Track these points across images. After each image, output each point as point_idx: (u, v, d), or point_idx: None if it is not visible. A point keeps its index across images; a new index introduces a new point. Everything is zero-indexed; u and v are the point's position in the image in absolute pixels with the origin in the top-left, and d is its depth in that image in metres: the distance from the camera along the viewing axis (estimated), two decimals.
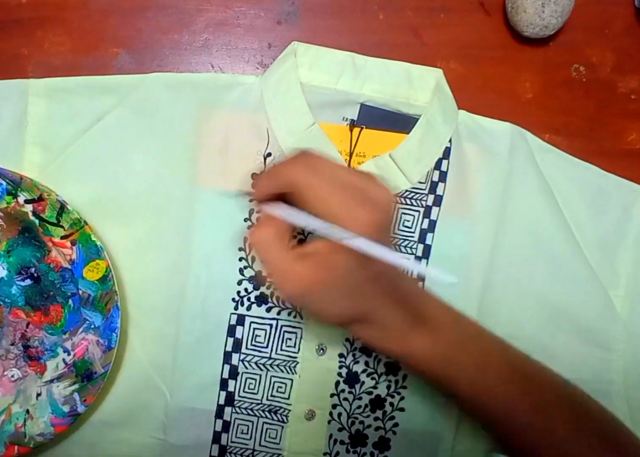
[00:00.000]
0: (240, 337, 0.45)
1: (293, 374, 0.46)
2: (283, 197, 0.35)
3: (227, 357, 0.45)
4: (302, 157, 0.34)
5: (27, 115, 0.44)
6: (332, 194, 0.32)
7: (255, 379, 0.45)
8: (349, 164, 0.45)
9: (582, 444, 0.38)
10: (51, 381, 0.44)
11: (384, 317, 0.36)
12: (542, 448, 0.38)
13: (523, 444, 0.39)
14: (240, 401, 0.45)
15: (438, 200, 0.46)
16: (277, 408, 0.46)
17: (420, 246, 0.46)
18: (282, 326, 0.45)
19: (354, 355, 0.46)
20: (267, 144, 0.45)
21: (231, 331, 0.45)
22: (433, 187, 0.46)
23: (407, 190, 0.46)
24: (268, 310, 0.45)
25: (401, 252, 0.46)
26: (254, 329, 0.45)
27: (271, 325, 0.45)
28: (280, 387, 0.45)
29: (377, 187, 0.34)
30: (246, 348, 0.45)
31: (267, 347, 0.45)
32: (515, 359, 0.39)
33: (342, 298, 0.34)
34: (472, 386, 0.37)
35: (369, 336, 0.37)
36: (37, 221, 0.43)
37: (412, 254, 0.46)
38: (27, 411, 0.43)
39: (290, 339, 0.45)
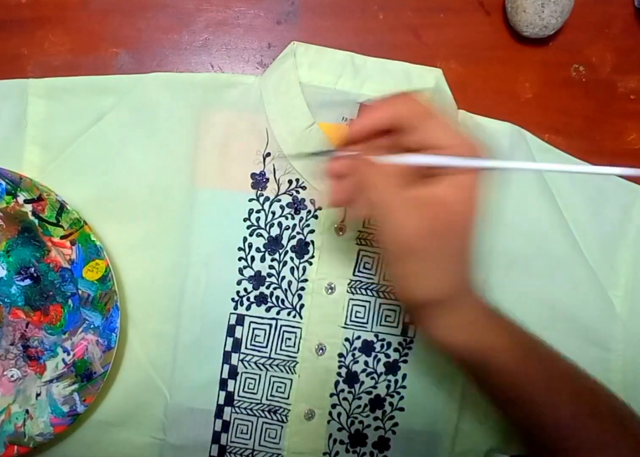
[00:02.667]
0: (239, 337, 0.45)
1: (292, 374, 0.46)
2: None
3: (226, 357, 0.45)
4: (410, 95, 0.32)
5: (27, 115, 0.44)
6: (449, 125, 0.31)
7: (255, 379, 0.45)
8: None
9: (599, 433, 0.36)
10: (51, 380, 0.44)
11: (465, 300, 0.33)
12: (579, 444, 0.36)
13: (562, 436, 0.36)
14: (239, 400, 0.45)
15: None
16: (277, 408, 0.46)
17: None
18: (281, 326, 0.45)
19: (353, 355, 0.46)
20: (267, 144, 0.45)
21: (231, 330, 0.45)
22: None
23: None
24: (267, 310, 0.45)
25: None
26: (254, 329, 0.45)
27: (271, 325, 0.45)
28: (280, 387, 0.46)
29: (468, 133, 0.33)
30: (246, 348, 0.45)
31: (266, 347, 0.45)
32: (557, 355, 0.38)
33: (455, 258, 0.32)
34: (537, 379, 0.35)
35: (444, 325, 0.34)
36: (36, 221, 0.43)
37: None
38: (27, 411, 0.43)
39: (289, 338, 0.45)
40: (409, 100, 0.32)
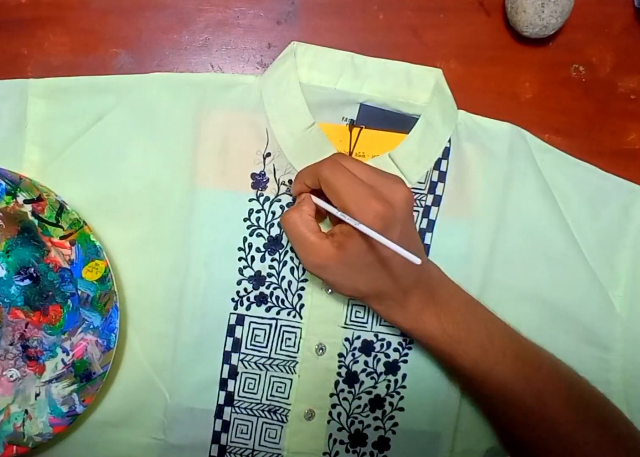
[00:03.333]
0: (239, 337, 0.45)
1: (292, 373, 0.45)
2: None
3: (226, 357, 0.45)
4: (332, 158, 0.40)
5: (27, 115, 0.44)
6: (348, 188, 0.37)
7: (255, 379, 0.45)
8: None
9: (577, 430, 0.40)
10: (50, 381, 0.44)
11: (395, 295, 0.40)
12: (535, 430, 0.41)
13: (517, 425, 0.42)
14: (239, 400, 0.45)
15: (437, 200, 0.46)
16: (277, 408, 0.46)
17: None
18: (281, 326, 0.45)
19: (353, 355, 0.46)
20: (267, 144, 0.45)
21: (230, 330, 0.45)
22: (432, 187, 0.46)
23: None
24: (267, 310, 0.45)
25: None
26: (254, 328, 0.45)
27: (270, 325, 0.45)
28: (280, 387, 0.45)
29: (395, 185, 0.39)
30: (245, 348, 0.45)
31: (266, 347, 0.45)
32: (518, 345, 0.43)
33: (356, 275, 0.39)
34: (474, 364, 0.41)
35: (382, 310, 0.42)
36: (36, 221, 0.43)
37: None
38: (26, 411, 0.43)
39: (289, 338, 0.45)
40: (327, 164, 0.39)
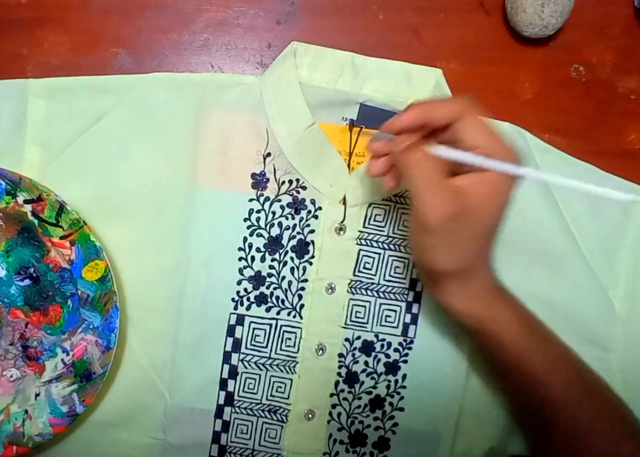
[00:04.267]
0: (239, 337, 0.45)
1: (292, 374, 0.45)
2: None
3: (226, 357, 0.45)
4: (464, 97, 0.36)
5: (27, 115, 0.44)
6: (491, 129, 0.35)
7: (255, 379, 0.45)
8: (348, 165, 0.45)
9: (613, 429, 0.39)
10: (50, 381, 0.44)
11: (481, 276, 0.38)
12: (578, 423, 0.39)
13: (564, 417, 0.39)
14: (239, 400, 0.45)
15: None
16: (277, 408, 0.46)
17: None
18: (281, 326, 0.45)
19: (353, 355, 0.46)
20: (267, 144, 0.45)
21: (231, 330, 0.45)
22: None
23: (406, 190, 0.46)
24: (267, 310, 0.45)
25: (401, 252, 0.46)
26: (254, 329, 0.45)
27: (271, 325, 0.45)
28: (280, 387, 0.45)
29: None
30: (246, 348, 0.45)
31: (266, 347, 0.45)
32: (564, 345, 0.41)
33: (472, 237, 0.36)
34: (542, 358, 0.39)
35: (459, 294, 0.38)
36: (36, 221, 0.43)
37: (411, 253, 0.46)
38: (26, 411, 0.43)
39: (289, 339, 0.45)
40: (465, 100, 0.35)
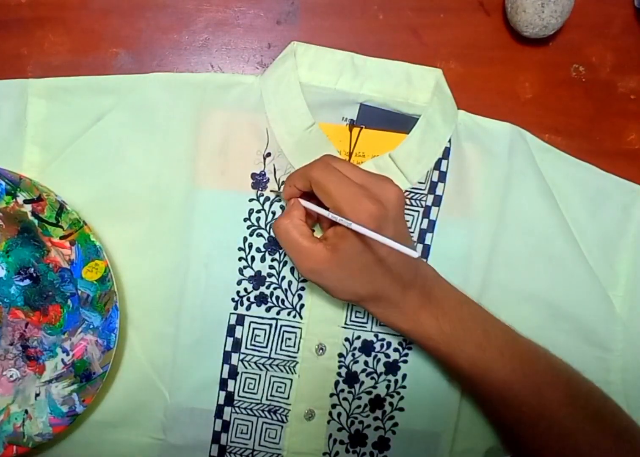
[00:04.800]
0: (239, 337, 0.45)
1: (292, 374, 0.45)
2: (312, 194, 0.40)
3: (226, 357, 0.45)
4: (322, 159, 0.40)
5: (27, 115, 0.44)
6: (340, 189, 0.37)
7: (255, 379, 0.45)
8: None
9: (576, 425, 0.40)
10: (50, 381, 0.44)
11: (393, 296, 0.40)
12: (535, 427, 0.41)
13: (517, 423, 0.42)
14: (239, 400, 0.45)
15: (437, 201, 0.46)
16: (277, 408, 0.46)
17: (420, 246, 0.46)
18: (281, 326, 0.45)
19: (353, 355, 0.46)
20: (267, 144, 0.45)
21: (231, 330, 0.45)
22: (432, 187, 0.46)
23: (406, 191, 0.46)
24: (267, 310, 0.45)
25: None
26: (254, 329, 0.45)
27: (271, 325, 0.45)
28: (280, 387, 0.45)
29: (386, 185, 0.39)
30: (246, 348, 0.45)
31: (266, 347, 0.45)
32: (515, 343, 0.43)
33: (352, 277, 0.39)
34: (472, 363, 0.41)
35: (379, 312, 0.42)
36: (36, 221, 0.43)
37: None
38: (26, 411, 0.43)
39: (289, 338, 0.45)
40: (318, 166, 0.39)
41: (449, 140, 0.46)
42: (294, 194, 0.41)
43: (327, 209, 0.39)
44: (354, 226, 0.36)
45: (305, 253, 0.39)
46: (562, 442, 0.41)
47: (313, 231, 0.43)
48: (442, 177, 0.46)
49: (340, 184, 0.38)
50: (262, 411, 0.46)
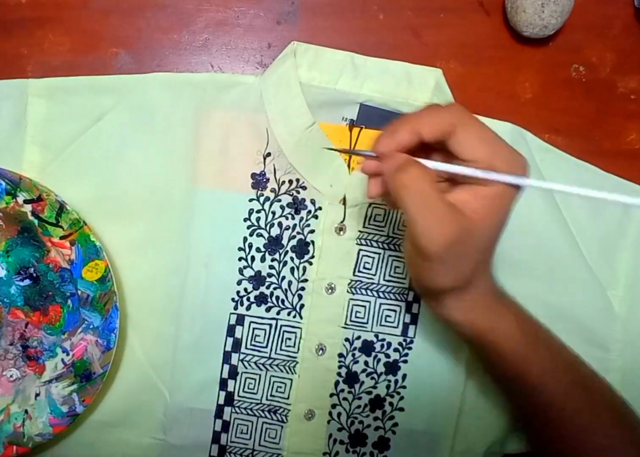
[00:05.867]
0: (239, 337, 0.45)
1: (292, 374, 0.45)
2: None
3: (226, 357, 0.45)
4: (455, 104, 0.34)
5: (27, 115, 0.44)
6: (488, 140, 0.32)
7: (255, 379, 0.45)
8: (348, 165, 0.45)
9: (591, 413, 0.39)
10: (50, 381, 0.44)
11: (481, 286, 0.36)
12: (580, 434, 0.39)
13: (567, 429, 0.39)
14: (239, 400, 0.45)
15: None
16: (277, 408, 0.46)
17: None
18: (281, 326, 0.45)
19: (353, 355, 0.46)
20: (267, 144, 0.45)
21: (231, 330, 0.45)
22: None
23: None
24: (267, 310, 0.45)
25: (401, 252, 0.46)
26: (254, 329, 0.45)
27: (271, 325, 0.45)
28: (280, 387, 0.45)
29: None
30: (246, 348, 0.45)
31: (266, 347, 0.45)
32: (568, 351, 0.40)
33: (472, 253, 0.33)
34: (543, 367, 0.38)
35: (459, 307, 0.36)
36: (36, 221, 0.43)
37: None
38: (26, 411, 0.43)
39: (289, 338, 0.45)
40: (455, 111, 0.33)
41: None
42: (403, 145, 0.32)
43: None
44: (530, 181, 0.30)
45: (446, 218, 0.31)
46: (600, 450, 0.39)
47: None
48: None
49: (485, 131, 0.32)
50: (262, 411, 0.46)
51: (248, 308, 0.45)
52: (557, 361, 0.39)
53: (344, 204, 0.45)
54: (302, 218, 0.45)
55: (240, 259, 0.45)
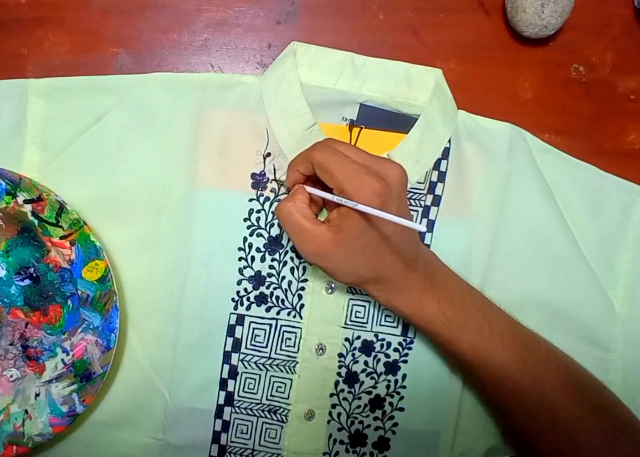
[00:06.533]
0: (239, 337, 0.45)
1: (292, 373, 0.45)
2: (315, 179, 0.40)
3: (226, 357, 0.45)
4: (323, 142, 0.40)
5: (27, 115, 0.44)
6: (342, 168, 0.37)
7: (255, 379, 0.45)
8: None
9: (575, 414, 0.40)
10: (50, 381, 0.44)
11: (395, 278, 0.40)
12: (534, 415, 0.41)
13: (516, 410, 0.42)
14: (239, 400, 0.45)
15: (437, 201, 0.46)
16: (277, 408, 0.46)
17: None
18: (281, 326, 0.45)
19: (353, 355, 0.46)
20: (267, 144, 0.45)
21: (231, 330, 0.45)
22: (432, 187, 0.46)
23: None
24: (267, 310, 0.45)
25: None
26: (254, 329, 0.45)
27: (271, 325, 0.45)
28: (280, 387, 0.45)
29: (388, 163, 0.39)
30: (246, 348, 0.45)
31: (266, 347, 0.45)
32: (516, 330, 0.43)
33: (356, 257, 0.39)
34: (473, 349, 0.41)
35: (381, 295, 0.41)
36: (36, 221, 0.43)
37: None
38: (26, 411, 0.43)
39: (289, 338, 0.45)
40: (319, 148, 0.39)
41: (449, 141, 0.46)
42: (298, 179, 0.41)
43: (330, 193, 0.39)
44: (360, 206, 0.36)
45: (308, 235, 0.38)
46: (560, 431, 0.41)
47: (316, 216, 0.43)
48: (442, 177, 0.46)
49: (342, 163, 0.38)
50: (262, 411, 0.46)
51: (248, 308, 0.45)
52: (489, 340, 0.41)
53: None
54: None
55: (240, 259, 0.45)
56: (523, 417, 0.42)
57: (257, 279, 0.45)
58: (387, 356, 0.46)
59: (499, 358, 0.41)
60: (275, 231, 0.45)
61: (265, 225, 0.45)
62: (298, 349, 0.45)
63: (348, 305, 0.45)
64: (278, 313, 0.45)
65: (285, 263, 0.45)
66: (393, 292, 0.41)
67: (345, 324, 0.46)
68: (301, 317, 0.45)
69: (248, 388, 0.45)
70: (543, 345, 0.43)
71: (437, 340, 0.42)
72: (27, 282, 0.44)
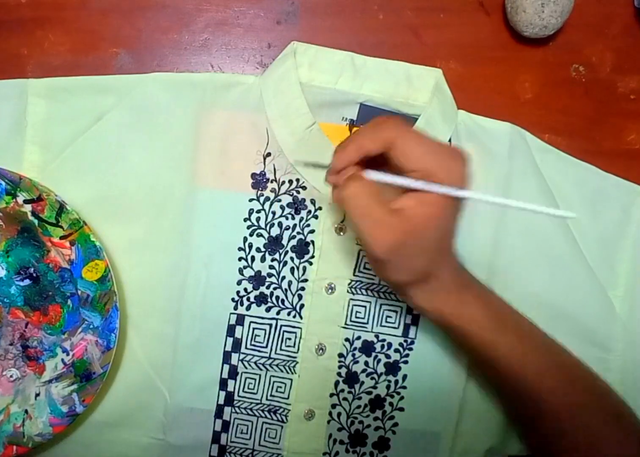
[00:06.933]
0: (239, 337, 0.45)
1: (292, 374, 0.45)
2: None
3: (226, 357, 0.45)
4: (393, 118, 0.36)
5: (27, 115, 0.44)
6: (428, 150, 0.34)
7: (255, 379, 0.45)
8: None
9: (598, 417, 0.40)
10: (50, 381, 0.44)
11: (446, 276, 0.38)
12: (561, 422, 0.40)
13: (540, 417, 0.40)
14: (239, 400, 0.45)
15: None
16: (277, 408, 0.46)
17: None
18: (281, 326, 0.45)
19: (353, 355, 0.46)
20: (267, 144, 0.45)
21: (231, 330, 0.45)
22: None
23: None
24: (267, 310, 0.45)
25: None
26: (254, 329, 0.45)
27: (271, 325, 0.45)
28: (280, 387, 0.45)
29: (453, 147, 0.37)
30: (246, 348, 0.45)
31: (266, 347, 0.45)
32: (542, 334, 0.42)
33: (424, 252, 0.36)
34: (510, 354, 0.39)
35: (424, 296, 0.39)
36: (36, 221, 0.43)
37: None
38: (26, 411, 0.43)
39: (289, 338, 0.45)
40: (393, 125, 0.35)
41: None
42: (352, 160, 0.35)
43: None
44: (462, 193, 0.32)
45: (385, 225, 0.34)
46: (587, 442, 0.40)
47: None
48: None
49: (424, 142, 0.34)
50: (262, 411, 0.46)
51: (248, 308, 0.45)
52: (526, 344, 0.40)
53: None
54: (302, 218, 0.45)
55: (240, 259, 0.45)
56: (547, 424, 0.41)
57: (257, 279, 0.45)
58: (388, 356, 0.46)
59: (535, 363, 0.40)
60: (275, 231, 0.45)
61: (266, 225, 0.45)
62: (298, 349, 0.45)
63: (348, 305, 0.45)
64: (278, 313, 0.45)
65: (285, 263, 0.45)
66: (438, 291, 0.38)
67: (346, 324, 0.46)
68: (301, 317, 0.45)
69: (248, 388, 0.45)
70: (572, 353, 0.42)
71: (476, 342, 0.40)
72: (27, 282, 0.44)
